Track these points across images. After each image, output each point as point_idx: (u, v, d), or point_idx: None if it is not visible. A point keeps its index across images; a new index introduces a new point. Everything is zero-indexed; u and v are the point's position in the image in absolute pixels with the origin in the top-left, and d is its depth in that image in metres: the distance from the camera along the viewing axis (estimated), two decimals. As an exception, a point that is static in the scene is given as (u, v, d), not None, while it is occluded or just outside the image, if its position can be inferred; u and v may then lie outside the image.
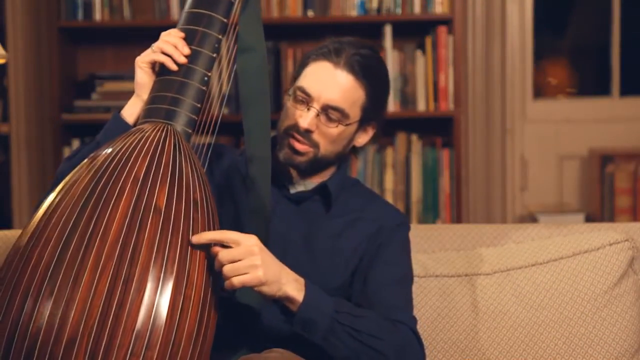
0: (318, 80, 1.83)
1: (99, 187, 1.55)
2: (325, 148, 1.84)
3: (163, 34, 1.76)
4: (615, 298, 2.11)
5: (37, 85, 3.92)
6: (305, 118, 1.81)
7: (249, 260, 1.58)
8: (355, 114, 1.84)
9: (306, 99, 1.83)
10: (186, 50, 1.72)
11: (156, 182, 1.57)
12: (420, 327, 2.10)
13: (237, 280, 1.58)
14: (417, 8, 3.73)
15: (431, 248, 2.24)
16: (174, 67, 1.72)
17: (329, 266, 1.83)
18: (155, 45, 1.74)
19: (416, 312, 2.11)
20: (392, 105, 3.75)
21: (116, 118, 1.77)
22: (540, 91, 4.40)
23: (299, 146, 1.83)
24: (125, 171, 1.57)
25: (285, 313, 1.68)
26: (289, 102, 1.86)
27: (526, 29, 4.23)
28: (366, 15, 3.73)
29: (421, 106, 3.75)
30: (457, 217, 3.73)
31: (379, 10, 3.74)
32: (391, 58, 3.73)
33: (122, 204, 1.53)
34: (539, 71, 4.38)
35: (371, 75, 1.85)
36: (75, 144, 3.72)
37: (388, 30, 3.72)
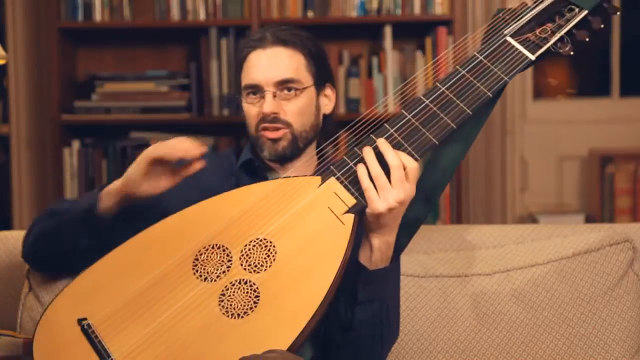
0: (257, 68, 1.89)
1: None
2: (297, 122, 1.89)
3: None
4: (615, 299, 2.11)
5: (37, 85, 3.92)
6: (266, 104, 1.87)
7: (395, 193, 1.63)
8: (305, 78, 1.90)
9: (257, 90, 1.89)
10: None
11: None
12: (420, 327, 2.10)
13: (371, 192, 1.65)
14: (417, 9, 3.73)
15: (431, 248, 2.24)
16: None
17: None
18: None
19: (416, 312, 2.12)
20: (392, 106, 3.75)
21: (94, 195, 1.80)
22: (540, 92, 4.40)
23: (274, 134, 1.88)
24: None
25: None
26: (244, 104, 1.92)
27: (526, 29, 4.23)
28: (366, 16, 3.73)
29: (421, 107, 3.75)
30: (457, 218, 3.72)
31: (379, 11, 3.73)
32: (391, 58, 3.73)
33: None
34: (539, 72, 4.38)
35: (299, 40, 1.91)
36: (76, 144, 3.72)
37: (388, 31, 3.72)
